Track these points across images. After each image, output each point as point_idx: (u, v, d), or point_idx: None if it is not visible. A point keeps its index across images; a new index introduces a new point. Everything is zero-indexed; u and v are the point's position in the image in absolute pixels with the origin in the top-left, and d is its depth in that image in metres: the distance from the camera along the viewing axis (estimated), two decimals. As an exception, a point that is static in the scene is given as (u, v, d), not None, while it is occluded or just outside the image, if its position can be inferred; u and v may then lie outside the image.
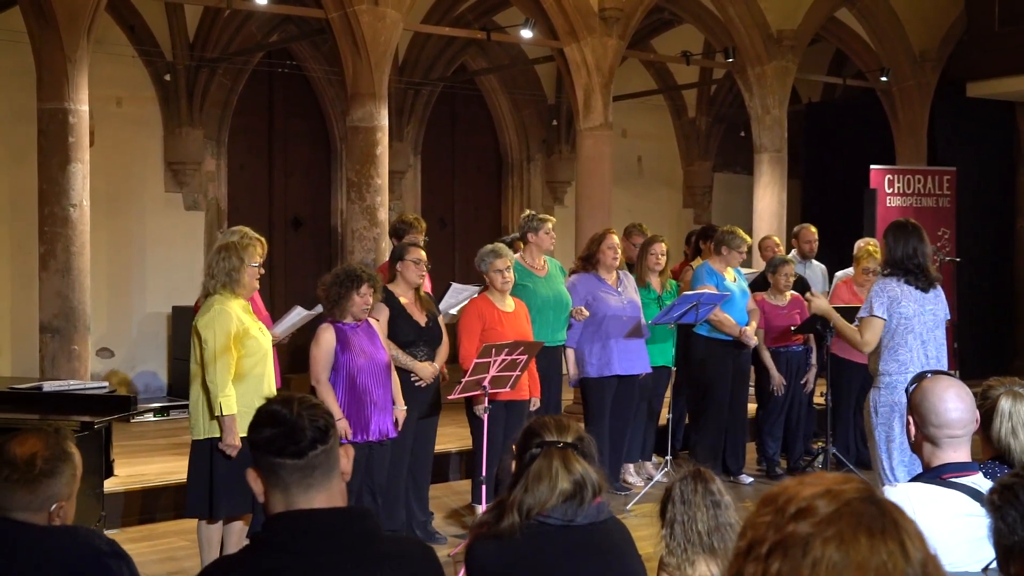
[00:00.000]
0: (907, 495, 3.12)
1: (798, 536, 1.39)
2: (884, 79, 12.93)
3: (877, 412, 5.73)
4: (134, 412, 6.09)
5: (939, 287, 5.97)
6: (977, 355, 12.94)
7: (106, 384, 7.13)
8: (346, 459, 2.38)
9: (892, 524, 1.42)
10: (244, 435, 5.30)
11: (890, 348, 5.82)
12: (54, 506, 2.64)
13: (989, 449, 3.50)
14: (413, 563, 2.35)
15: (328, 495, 2.29)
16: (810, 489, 1.45)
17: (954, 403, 3.12)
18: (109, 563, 2.60)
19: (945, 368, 5.93)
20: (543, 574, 2.81)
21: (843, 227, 11.42)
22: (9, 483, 2.59)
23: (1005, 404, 3.44)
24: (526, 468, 2.87)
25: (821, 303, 6.30)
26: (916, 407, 3.23)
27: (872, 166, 12.48)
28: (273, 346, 5.71)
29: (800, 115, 14.66)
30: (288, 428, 2.27)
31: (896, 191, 12.50)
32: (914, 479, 3.37)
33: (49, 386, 5.65)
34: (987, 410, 3.45)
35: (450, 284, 7.69)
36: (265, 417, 2.31)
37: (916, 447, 3.31)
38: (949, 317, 6.08)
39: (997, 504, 2.03)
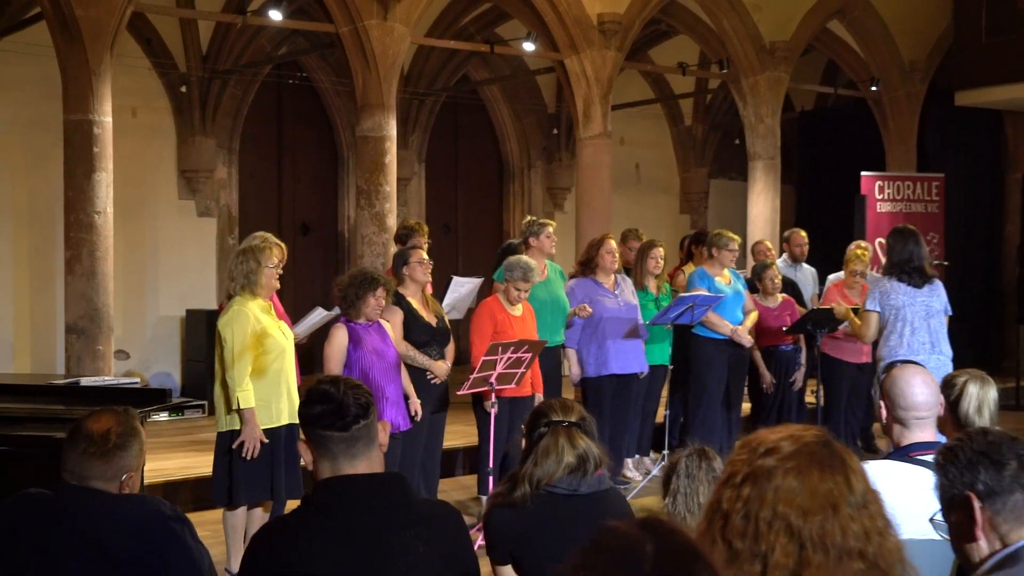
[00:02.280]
0: (878, 471, 3.49)
1: (765, 468, 1.78)
2: (874, 89, 13.28)
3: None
4: (170, 405, 6.43)
5: (936, 282, 6.73)
6: (966, 356, 13.23)
7: (137, 380, 7.49)
8: (383, 433, 2.75)
9: (840, 462, 1.82)
10: (260, 427, 5.65)
11: (884, 336, 6.62)
12: (124, 476, 3.00)
13: (958, 431, 3.88)
14: (445, 523, 2.71)
15: (369, 463, 2.65)
16: (777, 434, 1.85)
17: (920, 388, 3.51)
18: (174, 527, 2.96)
19: (948, 354, 6.54)
20: (552, 537, 3.18)
21: (835, 232, 11.75)
22: (87, 455, 2.95)
23: (973, 388, 3.89)
24: (535, 445, 3.25)
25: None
26: (887, 392, 3.60)
27: (863, 172, 12.79)
28: (296, 345, 6.03)
29: (794, 123, 14.98)
30: (336, 405, 2.64)
31: (886, 197, 12.83)
32: (885, 457, 3.73)
33: (86, 381, 6.02)
34: (956, 395, 3.87)
35: (451, 277, 7.97)
36: (316, 395, 2.68)
37: (887, 429, 3.68)
38: (949, 311, 6.63)
39: (941, 463, 2.39)
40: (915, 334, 6.54)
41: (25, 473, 4.76)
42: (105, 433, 2.95)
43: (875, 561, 1.76)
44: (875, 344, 9.26)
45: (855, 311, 7.52)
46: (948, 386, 4.06)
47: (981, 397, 3.91)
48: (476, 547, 2.85)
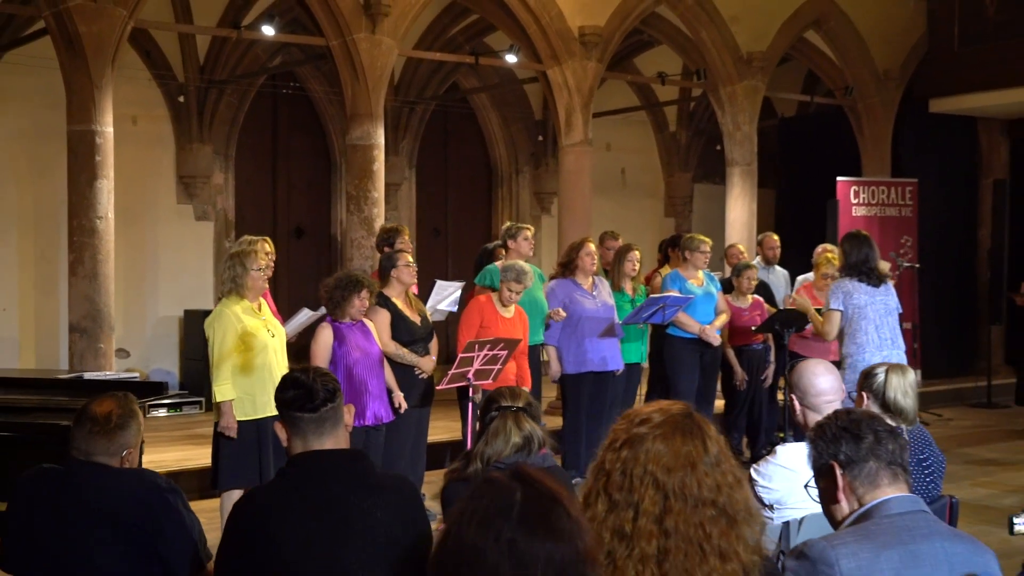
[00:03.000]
0: (796, 452, 3.93)
1: (639, 435, 2.22)
2: (848, 96, 13.67)
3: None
4: (167, 396, 6.88)
5: (889, 283, 7.21)
6: (941, 356, 13.70)
7: (136, 374, 7.91)
8: (348, 415, 3.17)
9: (698, 429, 2.25)
10: (246, 419, 6.02)
11: (850, 333, 7.05)
12: (124, 452, 3.43)
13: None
14: (401, 492, 3.10)
15: (335, 440, 3.06)
16: (650, 408, 2.28)
17: (824, 376, 3.97)
18: (167, 497, 3.39)
19: (902, 348, 7.06)
20: (500, 509, 3.61)
21: (813, 235, 12.11)
22: (92, 434, 3.38)
23: (895, 378, 4.41)
24: (487, 427, 3.69)
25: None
26: (796, 384, 4.05)
27: (839, 178, 13.14)
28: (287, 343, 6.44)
29: (775, 129, 15.37)
30: (306, 390, 3.05)
31: (861, 201, 13.21)
32: (804, 440, 4.17)
33: (89, 375, 6.45)
34: (881, 385, 4.35)
35: (435, 281, 8.37)
36: (289, 382, 3.11)
37: (803, 422, 4.12)
38: (900, 309, 7.19)
39: (812, 438, 2.82)
40: (879, 330, 7.01)
41: (33, 457, 5.18)
42: (108, 414, 3.39)
43: (724, 508, 2.18)
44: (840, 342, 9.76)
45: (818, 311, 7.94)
46: (869, 377, 4.52)
47: (904, 385, 4.39)
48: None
